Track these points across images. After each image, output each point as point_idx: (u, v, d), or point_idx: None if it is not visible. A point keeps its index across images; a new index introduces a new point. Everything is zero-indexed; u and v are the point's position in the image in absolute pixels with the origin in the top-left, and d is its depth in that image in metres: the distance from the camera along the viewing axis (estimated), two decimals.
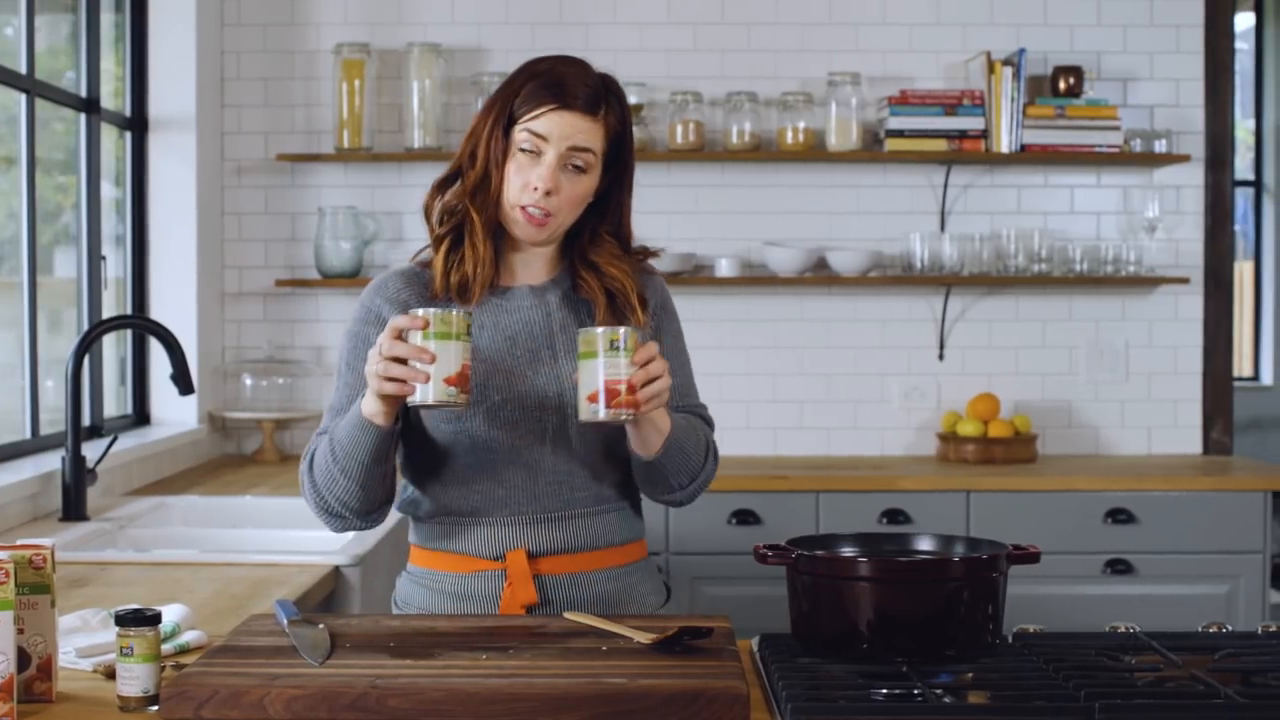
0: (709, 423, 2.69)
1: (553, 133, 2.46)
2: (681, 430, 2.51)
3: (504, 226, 2.53)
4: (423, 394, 2.25)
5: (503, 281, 2.58)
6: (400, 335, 2.26)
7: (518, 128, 2.48)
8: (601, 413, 2.28)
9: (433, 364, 2.23)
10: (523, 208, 2.48)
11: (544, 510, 2.55)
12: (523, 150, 2.47)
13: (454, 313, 2.26)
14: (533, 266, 2.60)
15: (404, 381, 2.25)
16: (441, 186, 2.58)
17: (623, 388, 2.27)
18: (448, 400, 2.25)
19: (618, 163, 2.56)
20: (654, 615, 2.53)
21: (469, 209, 2.51)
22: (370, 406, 2.34)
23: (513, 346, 2.54)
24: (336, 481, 2.43)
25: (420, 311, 2.26)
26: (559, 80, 2.48)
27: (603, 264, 2.59)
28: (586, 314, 2.59)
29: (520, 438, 2.51)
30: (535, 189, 2.46)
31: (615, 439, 2.55)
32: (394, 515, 3.90)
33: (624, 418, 2.29)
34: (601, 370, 2.27)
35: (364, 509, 2.47)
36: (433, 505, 2.58)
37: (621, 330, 2.28)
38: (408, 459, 2.59)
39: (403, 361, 2.25)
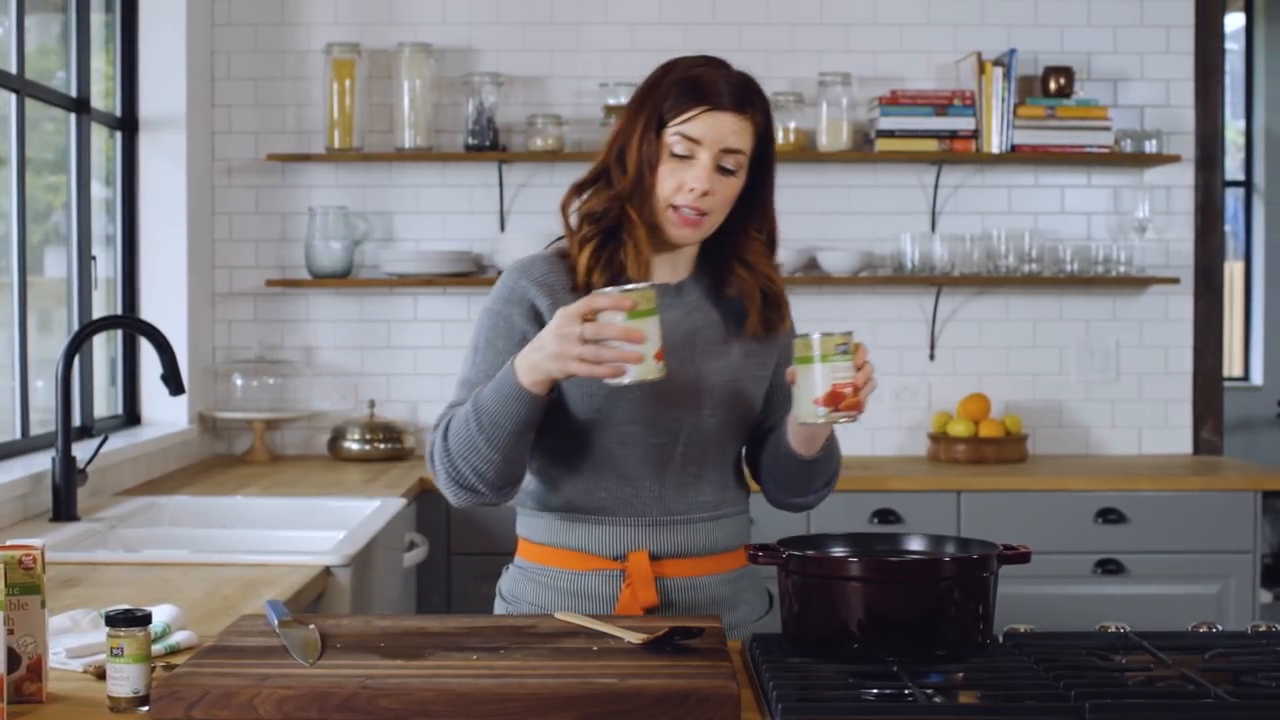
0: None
1: (706, 135, 2.47)
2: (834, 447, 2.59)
3: (656, 230, 2.53)
4: (635, 374, 2.25)
5: (626, 266, 2.56)
6: (591, 316, 2.25)
7: (669, 130, 2.48)
8: (828, 415, 2.32)
9: (643, 344, 2.24)
10: (675, 208, 2.49)
11: (669, 512, 2.56)
12: (675, 154, 2.48)
13: (650, 288, 2.26)
14: (674, 265, 2.61)
15: (614, 364, 2.24)
16: (580, 188, 2.59)
17: (849, 390, 2.31)
18: (658, 376, 2.27)
19: (763, 160, 2.56)
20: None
21: (628, 212, 2.51)
22: (531, 377, 2.32)
23: None
24: (478, 450, 2.39)
25: (619, 291, 2.25)
26: (707, 82, 2.48)
27: (758, 263, 2.61)
28: (727, 313, 2.62)
29: (655, 437, 2.52)
30: (691, 190, 2.47)
31: (743, 442, 2.64)
32: (381, 514, 3.91)
33: (847, 420, 2.33)
34: (829, 374, 2.30)
35: (499, 482, 2.43)
36: (557, 498, 2.57)
37: (847, 333, 2.31)
38: (539, 448, 2.57)
39: (595, 342, 2.24)
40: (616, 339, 2.23)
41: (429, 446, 2.49)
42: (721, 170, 2.48)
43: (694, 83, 2.48)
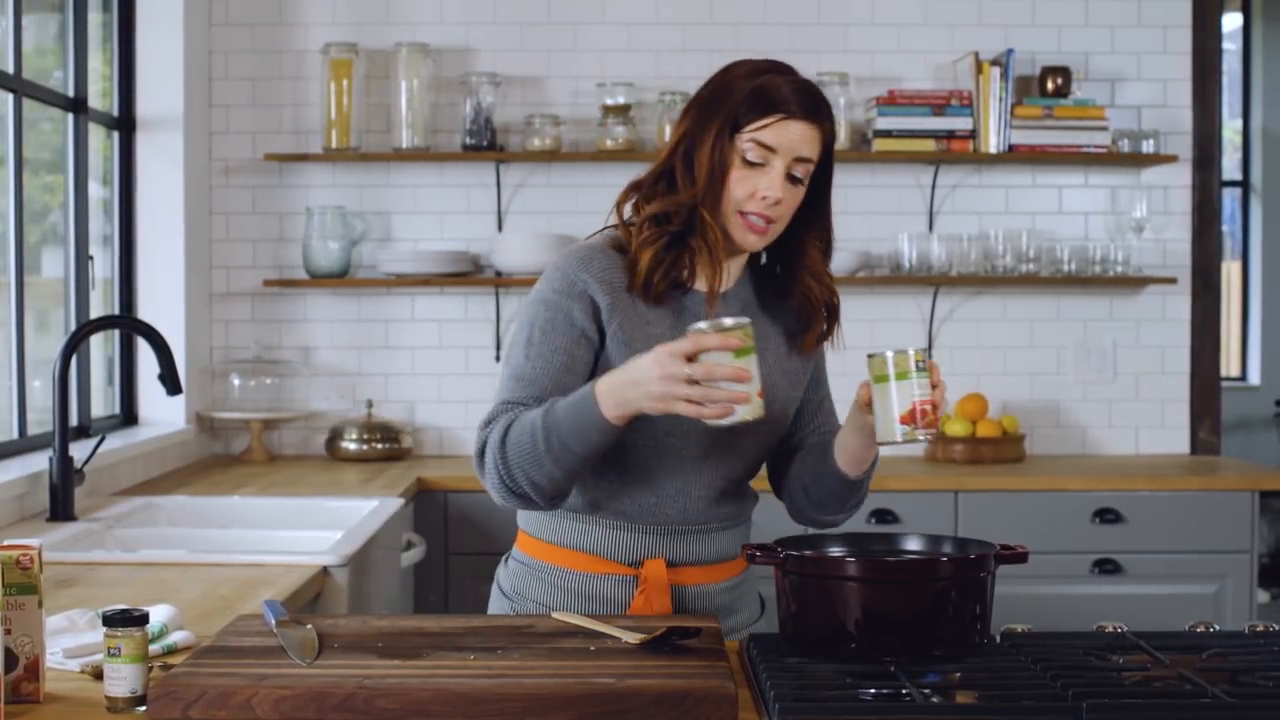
0: None
1: (781, 144, 2.43)
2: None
3: (724, 231, 2.50)
4: (740, 414, 2.23)
5: (687, 282, 2.54)
6: (693, 355, 2.22)
7: (743, 136, 2.44)
8: (909, 434, 2.28)
9: (748, 383, 2.23)
10: (744, 214, 2.46)
11: (689, 522, 2.55)
12: (748, 161, 2.45)
13: (750, 324, 2.24)
14: (730, 270, 2.57)
15: (723, 405, 2.22)
16: (638, 187, 2.56)
17: (928, 407, 2.29)
18: (759, 415, 2.25)
19: (824, 169, 2.54)
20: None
21: (703, 215, 2.47)
22: (619, 411, 2.29)
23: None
24: (541, 466, 2.35)
25: (724, 326, 2.22)
26: (781, 89, 2.45)
27: (825, 275, 2.59)
28: (768, 324, 2.59)
29: (687, 448, 2.50)
30: (764, 199, 2.44)
31: (766, 457, 2.63)
32: (379, 514, 3.90)
33: (926, 438, 2.30)
34: (908, 391, 2.28)
35: (553, 493, 2.40)
36: (575, 499, 2.54)
37: (921, 350, 2.30)
38: None
39: (695, 382, 2.21)
40: (726, 379, 2.21)
41: (479, 444, 2.43)
42: (791, 179, 2.46)
43: (768, 89, 2.45)
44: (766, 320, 2.61)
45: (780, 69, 2.50)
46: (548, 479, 2.37)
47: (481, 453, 2.43)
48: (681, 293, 2.53)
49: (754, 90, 2.45)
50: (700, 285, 2.54)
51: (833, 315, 2.62)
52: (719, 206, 2.47)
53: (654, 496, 2.52)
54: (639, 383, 2.26)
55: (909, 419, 2.28)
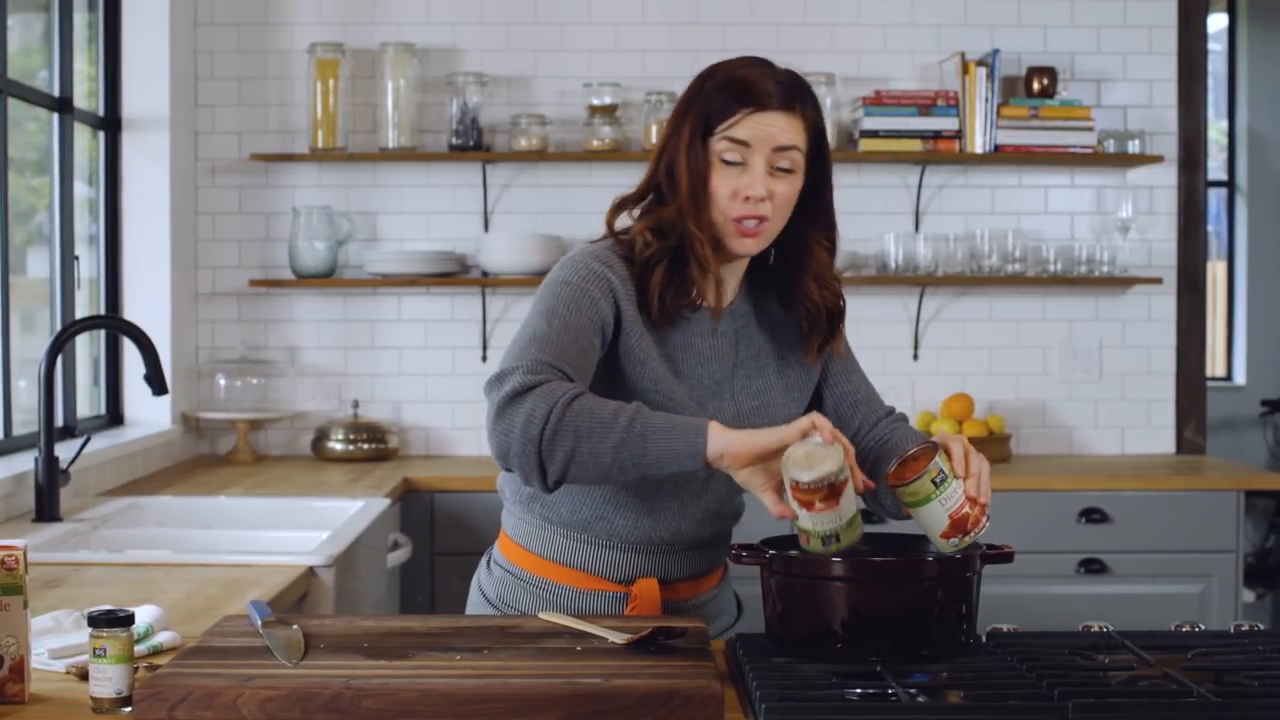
0: (906, 419, 2.65)
1: (755, 136, 2.37)
2: None
3: (717, 244, 2.43)
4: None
5: (696, 299, 2.46)
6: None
7: (716, 137, 2.38)
8: (961, 543, 2.20)
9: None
10: (736, 220, 2.39)
11: (683, 544, 2.52)
12: (726, 161, 2.38)
13: (833, 473, 2.13)
14: (725, 284, 2.50)
15: None
16: (624, 204, 2.49)
17: (969, 509, 2.20)
18: (855, 539, 2.20)
19: (819, 160, 2.46)
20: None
21: (692, 232, 2.39)
22: (723, 459, 2.19)
23: (699, 378, 2.47)
24: (598, 458, 2.21)
25: (799, 485, 2.14)
26: (750, 82, 2.38)
27: (830, 278, 2.52)
28: (772, 336, 2.54)
29: (692, 477, 2.44)
30: (747, 198, 2.37)
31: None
32: (365, 514, 3.90)
33: (979, 533, 2.22)
34: (942, 507, 2.19)
35: (576, 478, 2.26)
36: (569, 515, 2.49)
37: (938, 464, 2.19)
38: None
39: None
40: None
41: (518, 386, 2.24)
42: (778, 171, 2.39)
43: (737, 84, 2.38)
44: (772, 332, 2.56)
45: (755, 63, 2.43)
46: (585, 474, 2.24)
47: (521, 394, 2.23)
48: (690, 310, 2.46)
49: (723, 88, 2.39)
50: (708, 299, 2.47)
51: (835, 322, 2.56)
52: (706, 215, 2.39)
53: (649, 519, 2.48)
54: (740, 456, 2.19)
55: (952, 533, 2.19)
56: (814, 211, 2.49)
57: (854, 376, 2.64)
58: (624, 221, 2.52)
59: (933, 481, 2.18)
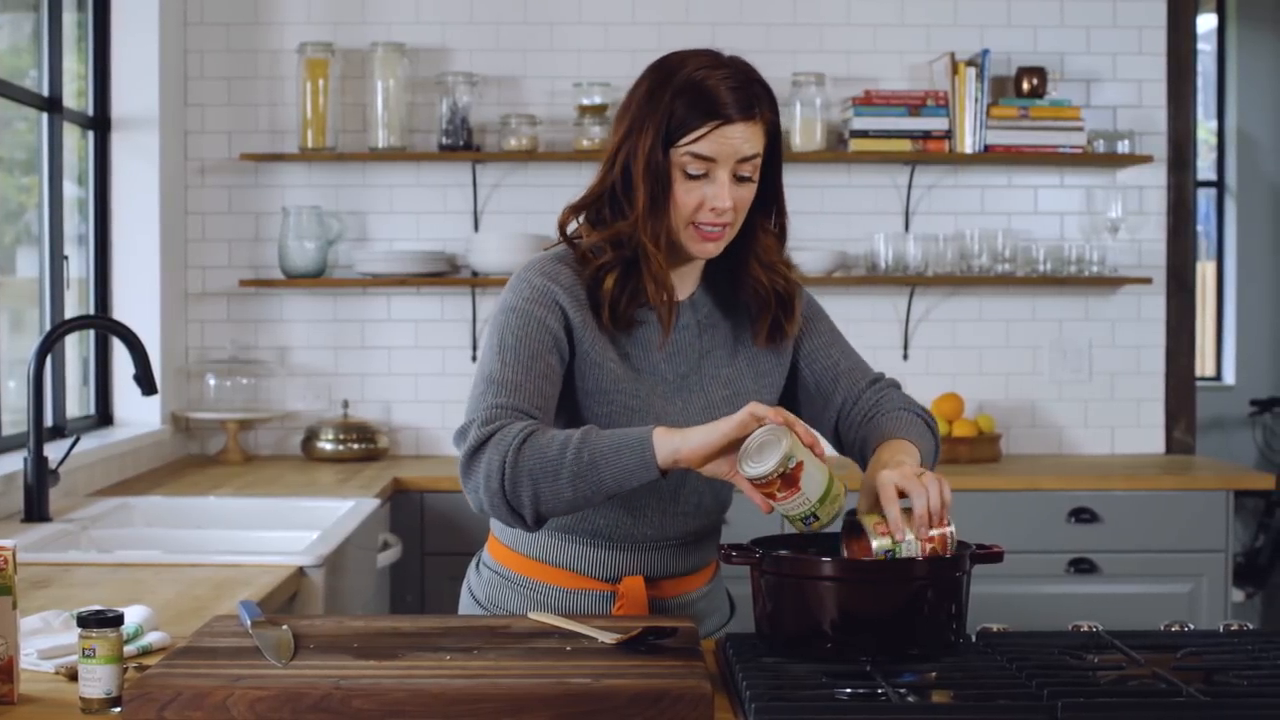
0: (897, 385, 2.63)
1: (721, 152, 2.34)
2: (924, 454, 2.49)
3: (674, 246, 2.42)
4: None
5: (650, 298, 2.44)
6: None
7: (679, 151, 2.35)
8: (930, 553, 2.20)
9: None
10: (695, 225, 2.38)
11: (665, 538, 2.51)
12: (689, 174, 2.36)
13: (779, 463, 2.14)
14: (690, 276, 2.51)
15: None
16: (579, 209, 2.47)
17: (931, 545, 2.18)
18: (829, 517, 2.21)
19: (773, 154, 2.45)
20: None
21: (646, 245, 2.38)
22: (678, 462, 2.20)
23: (662, 374, 2.47)
24: (559, 494, 2.24)
25: (750, 477, 2.15)
26: (712, 92, 2.34)
27: (775, 262, 2.50)
28: (737, 323, 2.53)
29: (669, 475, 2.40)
30: (714, 209, 2.36)
31: None
32: (355, 514, 3.90)
33: (954, 543, 2.21)
34: (915, 549, 2.19)
35: (550, 514, 2.29)
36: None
37: (882, 547, 2.18)
38: None
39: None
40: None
41: (476, 440, 2.28)
42: (739, 179, 2.38)
43: (698, 94, 2.34)
44: (736, 320, 2.55)
45: (709, 63, 2.39)
46: (555, 505, 2.26)
47: (479, 449, 2.28)
48: (648, 309, 2.46)
49: (685, 95, 2.35)
50: (658, 304, 2.46)
51: (785, 305, 2.53)
52: (665, 223, 2.38)
53: (630, 518, 2.48)
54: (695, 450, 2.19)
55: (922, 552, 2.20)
56: (762, 198, 2.47)
57: (833, 350, 2.62)
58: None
59: (888, 554, 2.19)
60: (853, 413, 2.58)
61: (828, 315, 2.66)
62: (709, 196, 2.36)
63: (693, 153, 2.35)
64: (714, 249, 2.43)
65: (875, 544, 2.19)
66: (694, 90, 2.35)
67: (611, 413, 2.42)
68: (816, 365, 2.61)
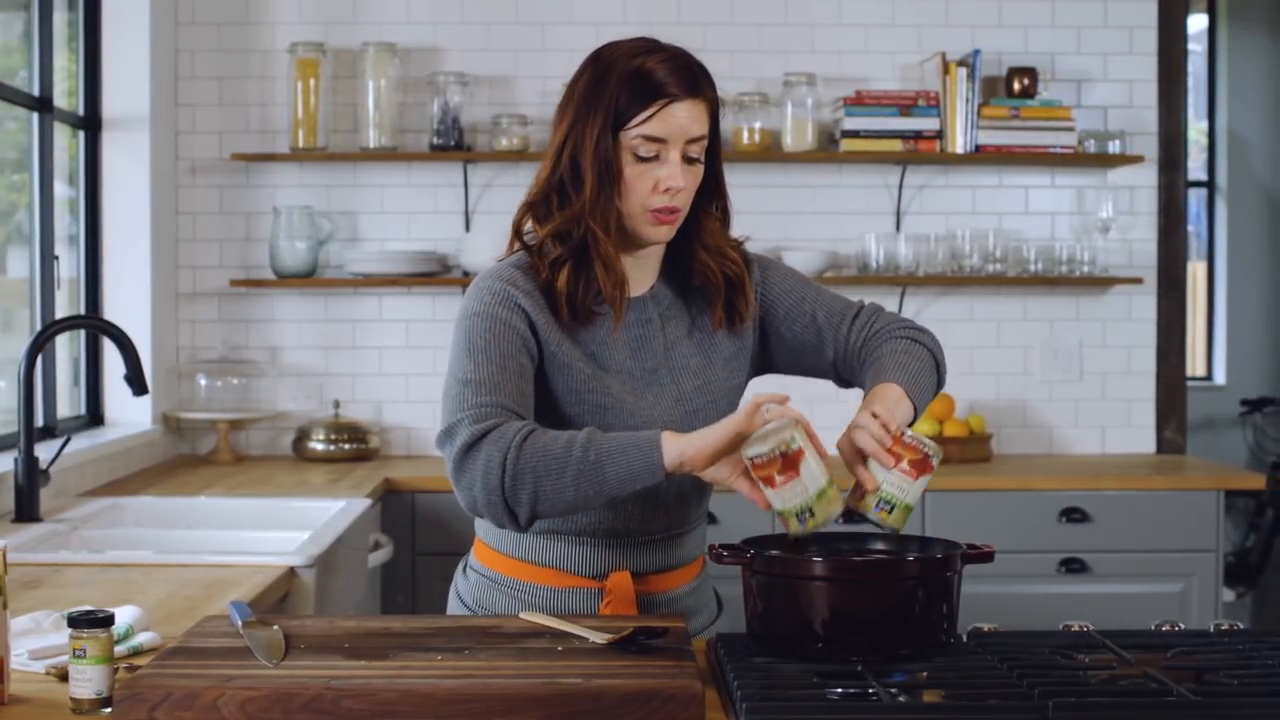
0: (879, 310, 2.64)
1: (671, 131, 2.36)
2: (912, 379, 2.50)
3: (626, 234, 2.43)
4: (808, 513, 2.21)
5: (600, 292, 2.44)
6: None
7: (629, 133, 2.36)
8: (867, 508, 2.26)
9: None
10: (653, 210, 2.39)
11: (651, 534, 2.51)
12: (640, 157, 2.37)
13: (780, 447, 2.18)
14: (647, 267, 2.52)
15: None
16: (533, 206, 2.48)
17: (903, 469, 2.25)
18: (829, 514, 2.22)
19: (713, 135, 2.46)
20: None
21: (594, 230, 2.39)
22: (683, 465, 2.21)
23: (629, 370, 2.47)
24: (560, 493, 2.24)
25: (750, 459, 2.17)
26: (655, 73, 2.37)
27: (721, 245, 2.51)
28: (698, 312, 2.53)
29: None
30: (668, 190, 2.37)
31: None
32: (346, 514, 3.90)
33: (925, 454, 2.26)
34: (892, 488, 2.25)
35: (545, 514, 2.29)
36: None
37: (877, 490, 2.26)
38: None
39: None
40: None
41: (471, 437, 2.28)
42: (688, 160, 2.39)
43: (641, 77, 2.37)
44: (696, 309, 2.55)
45: (648, 49, 2.43)
46: (553, 507, 2.26)
47: (474, 446, 2.27)
48: (604, 305, 2.46)
49: (629, 80, 2.38)
50: (632, 290, 2.48)
51: (735, 287, 2.53)
52: (616, 209, 2.39)
53: (611, 513, 2.47)
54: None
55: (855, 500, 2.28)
56: (704, 181, 2.48)
57: (805, 305, 2.60)
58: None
59: (885, 505, 2.25)
60: (846, 358, 2.59)
61: (787, 267, 2.65)
62: (662, 178, 2.38)
63: (643, 134, 2.37)
64: (667, 232, 2.43)
65: (870, 508, 2.25)
66: (637, 74, 2.38)
67: (583, 412, 2.43)
68: (796, 325, 2.60)
